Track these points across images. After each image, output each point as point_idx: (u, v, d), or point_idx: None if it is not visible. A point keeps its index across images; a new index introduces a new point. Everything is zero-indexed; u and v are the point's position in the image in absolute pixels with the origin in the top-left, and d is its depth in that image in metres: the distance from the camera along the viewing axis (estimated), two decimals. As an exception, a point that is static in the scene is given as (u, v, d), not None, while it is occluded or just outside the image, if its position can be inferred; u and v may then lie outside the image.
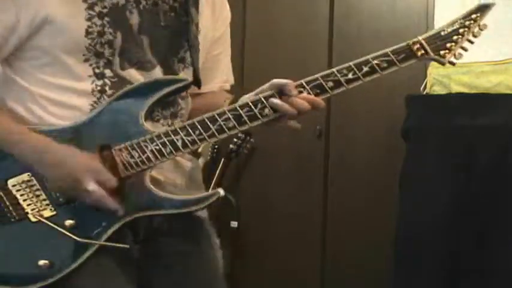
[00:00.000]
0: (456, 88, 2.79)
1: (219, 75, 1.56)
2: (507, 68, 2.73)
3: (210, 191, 1.35)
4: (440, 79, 2.84)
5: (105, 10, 1.32)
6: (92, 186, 1.25)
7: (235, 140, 3.46)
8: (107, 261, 1.31)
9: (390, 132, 3.03)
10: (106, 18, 1.32)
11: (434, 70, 2.89)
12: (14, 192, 1.30)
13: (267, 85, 1.35)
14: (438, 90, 2.84)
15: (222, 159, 3.46)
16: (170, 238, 1.42)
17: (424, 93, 2.88)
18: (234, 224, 3.61)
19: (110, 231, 1.29)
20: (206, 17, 1.47)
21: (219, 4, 1.52)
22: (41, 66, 1.34)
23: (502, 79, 2.71)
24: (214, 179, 3.43)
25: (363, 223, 3.24)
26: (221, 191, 1.32)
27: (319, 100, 1.32)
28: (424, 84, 2.90)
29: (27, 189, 1.31)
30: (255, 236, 3.62)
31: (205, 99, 1.51)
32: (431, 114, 2.74)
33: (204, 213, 1.48)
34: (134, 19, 1.35)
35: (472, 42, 1.38)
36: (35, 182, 1.31)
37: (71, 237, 1.28)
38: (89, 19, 1.31)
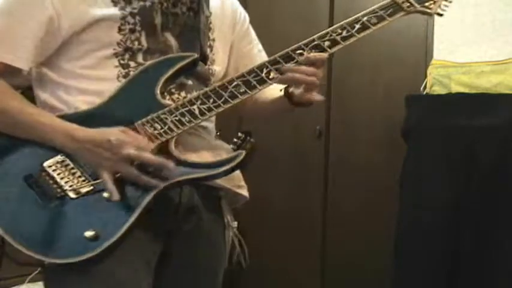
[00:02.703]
0: (456, 88, 2.79)
1: None
2: (507, 68, 2.73)
3: (233, 153, 1.48)
4: (440, 79, 2.84)
5: (135, 10, 1.44)
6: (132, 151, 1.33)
7: (235, 140, 3.44)
8: (141, 235, 1.37)
9: (390, 132, 3.03)
10: (137, 17, 1.44)
11: (434, 70, 2.89)
12: (51, 172, 1.36)
13: None
14: (438, 90, 2.84)
15: (222, 159, 3.46)
16: (201, 218, 1.56)
17: (424, 93, 2.88)
18: (234, 224, 3.60)
19: (146, 200, 1.34)
20: (217, 15, 1.59)
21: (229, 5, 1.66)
22: (71, 60, 1.44)
23: (502, 79, 2.71)
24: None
25: (362, 223, 3.24)
26: (244, 152, 1.46)
27: (316, 55, 1.45)
28: (424, 84, 2.90)
29: (63, 169, 1.37)
30: (255, 236, 3.61)
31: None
32: (431, 114, 2.73)
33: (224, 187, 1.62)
34: (158, 19, 1.46)
35: None
36: (68, 161, 1.37)
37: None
38: (122, 18, 1.42)
